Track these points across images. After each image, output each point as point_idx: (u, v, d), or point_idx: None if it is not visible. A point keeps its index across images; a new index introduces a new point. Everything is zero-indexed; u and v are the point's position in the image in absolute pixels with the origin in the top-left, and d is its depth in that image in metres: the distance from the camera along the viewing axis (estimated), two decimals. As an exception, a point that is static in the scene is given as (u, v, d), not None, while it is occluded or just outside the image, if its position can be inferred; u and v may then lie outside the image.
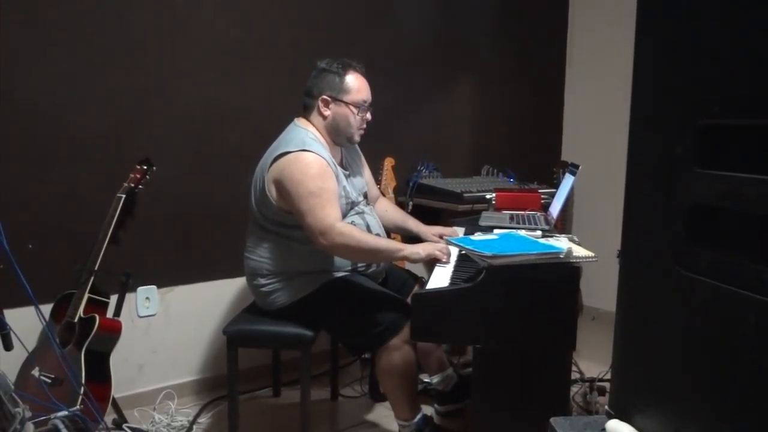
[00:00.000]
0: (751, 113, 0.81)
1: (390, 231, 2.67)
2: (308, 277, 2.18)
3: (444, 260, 2.18)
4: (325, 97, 2.23)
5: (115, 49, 2.49)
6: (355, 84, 2.24)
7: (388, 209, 2.63)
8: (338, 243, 2.08)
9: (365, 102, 2.27)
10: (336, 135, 2.27)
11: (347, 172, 2.31)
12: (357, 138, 2.31)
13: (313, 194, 2.07)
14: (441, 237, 2.48)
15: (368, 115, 2.29)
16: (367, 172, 2.53)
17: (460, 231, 2.49)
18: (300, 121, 2.27)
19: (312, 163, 2.11)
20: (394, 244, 2.24)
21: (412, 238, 2.55)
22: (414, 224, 2.57)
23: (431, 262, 2.23)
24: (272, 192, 2.14)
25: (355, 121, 2.26)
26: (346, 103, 2.23)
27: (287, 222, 2.16)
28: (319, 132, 2.24)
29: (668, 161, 0.94)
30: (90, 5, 2.42)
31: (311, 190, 2.08)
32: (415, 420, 2.20)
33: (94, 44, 2.44)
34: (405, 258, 2.24)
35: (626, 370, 1.10)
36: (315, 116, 2.26)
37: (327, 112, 2.24)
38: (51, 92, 2.38)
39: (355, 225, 2.24)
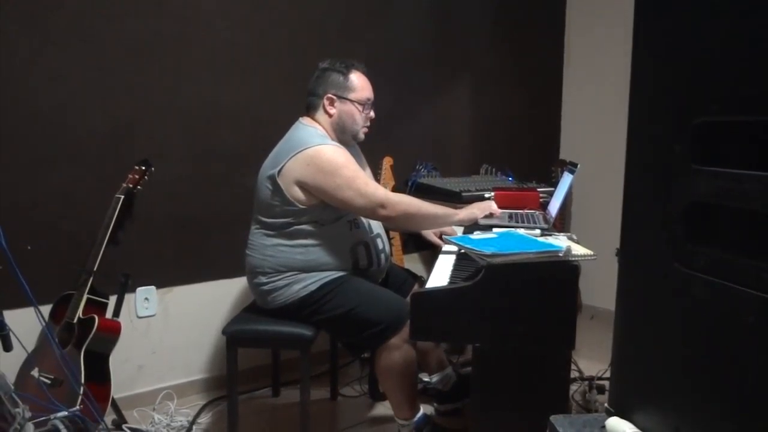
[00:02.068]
0: (749, 110, 0.82)
1: (390, 230, 2.67)
2: (309, 276, 2.18)
3: (498, 214, 2.33)
4: (330, 95, 2.24)
5: (115, 50, 2.48)
6: (359, 82, 2.26)
7: None
8: (401, 211, 2.15)
9: (369, 100, 2.29)
10: (342, 133, 2.27)
11: None
12: (362, 136, 2.32)
13: (352, 178, 2.11)
14: (440, 237, 2.48)
15: (372, 113, 2.31)
16: (368, 171, 2.53)
17: (459, 230, 2.49)
18: (306, 120, 2.27)
19: (336, 151, 2.14)
20: (449, 210, 2.31)
21: (413, 237, 2.55)
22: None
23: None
24: (294, 193, 2.12)
25: (361, 118, 2.27)
26: (352, 101, 2.25)
27: (300, 220, 2.16)
28: (325, 130, 2.25)
29: (667, 159, 0.95)
30: (89, 6, 2.41)
31: (348, 175, 2.11)
32: (415, 419, 2.20)
33: (93, 45, 2.44)
34: (461, 221, 2.31)
35: (625, 368, 1.10)
36: (321, 115, 2.27)
37: (333, 111, 2.25)
38: (50, 93, 2.37)
39: (358, 224, 2.25)
